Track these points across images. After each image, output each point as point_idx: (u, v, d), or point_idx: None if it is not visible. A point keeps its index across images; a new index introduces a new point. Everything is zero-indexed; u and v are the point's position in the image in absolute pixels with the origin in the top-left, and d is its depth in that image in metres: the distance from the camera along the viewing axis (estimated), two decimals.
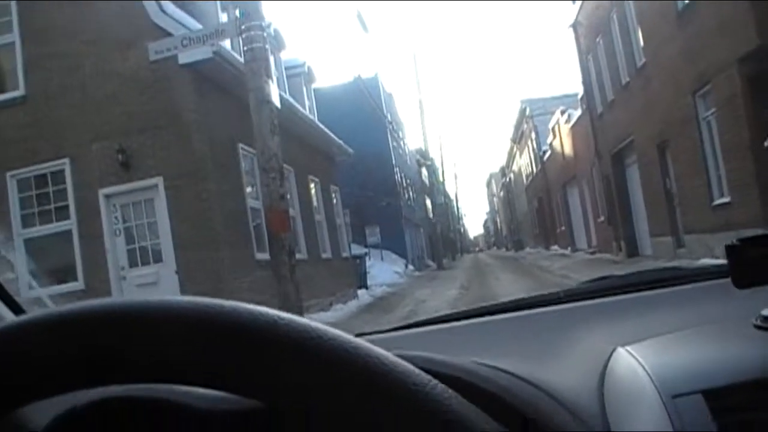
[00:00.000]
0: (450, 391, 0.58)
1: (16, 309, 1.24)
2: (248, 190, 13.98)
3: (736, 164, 13.12)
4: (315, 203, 19.67)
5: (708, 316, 1.07)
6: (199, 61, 12.01)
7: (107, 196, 12.46)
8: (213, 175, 12.22)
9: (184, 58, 11.89)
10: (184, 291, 11.66)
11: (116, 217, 12.51)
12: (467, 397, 0.59)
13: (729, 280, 0.87)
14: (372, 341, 0.61)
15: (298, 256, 16.63)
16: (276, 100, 10.10)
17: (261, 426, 0.83)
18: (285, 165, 16.86)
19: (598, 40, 22.96)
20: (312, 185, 19.58)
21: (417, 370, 0.58)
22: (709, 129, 14.64)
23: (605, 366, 0.94)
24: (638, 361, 0.88)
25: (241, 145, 13.47)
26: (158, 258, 12.25)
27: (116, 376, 0.59)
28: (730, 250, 0.84)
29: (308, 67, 21.95)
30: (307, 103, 21.18)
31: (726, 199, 14.02)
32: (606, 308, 1.28)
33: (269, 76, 10.05)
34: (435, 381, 0.58)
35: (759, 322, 0.89)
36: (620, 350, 0.95)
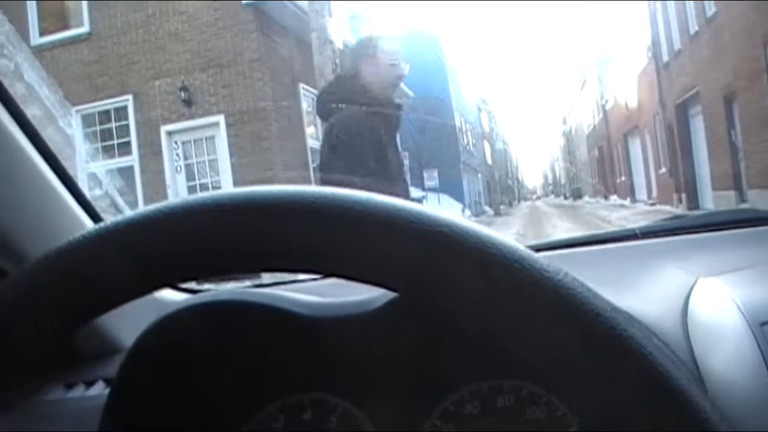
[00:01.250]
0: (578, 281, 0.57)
1: (95, 217, 1.27)
2: (309, 130, 13.99)
3: None
4: None
5: None
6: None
7: (169, 133, 12.60)
8: (274, 115, 12.27)
9: None
10: None
11: (177, 154, 12.65)
12: None
13: None
14: None
15: None
16: (338, 41, 10.02)
17: (362, 332, 0.84)
18: None
19: None
20: None
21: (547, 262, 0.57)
22: None
23: (688, 295, 0.93)
24: (724, 290, 0.88)
25: (302, 84, 13.44)
26: None
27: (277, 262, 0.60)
28: None
29: (370, 17, 21.73)
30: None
31: None
32: (684, 245, 1.28)
33: (331, 15, 9.98)
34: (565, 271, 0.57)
35: None
36: (703, 280, 0.95)
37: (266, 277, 1.33)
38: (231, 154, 12.06)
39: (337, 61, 9.86)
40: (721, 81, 17.67)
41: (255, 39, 12.09)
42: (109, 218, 0.60)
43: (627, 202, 34.77)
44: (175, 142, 12.50)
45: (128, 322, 0.94)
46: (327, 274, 0.60)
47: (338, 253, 0.56)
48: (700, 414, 0.53)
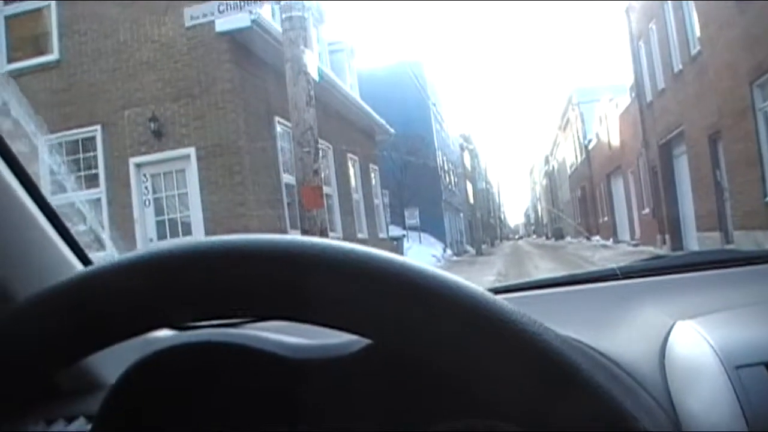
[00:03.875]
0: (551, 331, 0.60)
1: (85, 260, 1.29)
2: (283, 164, 13.61)
3: None
4: (353, 182, 19.29)
5: (766, 296, 1.08)
6: (237, 29, 11.73)
7: (138, 165, 12.20)
8: (247, 148, 11.89)
9: (221, 25, 11.59)
10: None
11: (146, 187, 12.25)
12: None
13: None
14: None
15: (333, 235, 16.39)
16: (313, 72, 9.73)
17: (342, 375, 0.84)
18: (323, 141, 16.57)
19: (650, 25, 22.20)
20: (350, 163, 19.16)
21: (517, 310, 0.60)
22: (767, 120, 13.97)
23: (666, 337, 0.94)
24: (700, 333, 0.89)
25: (277, 118, 13.09)
26: (187, 231, 11.96)
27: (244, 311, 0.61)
28: None
29: (351, 46, 21.55)
30: (348, 80, 20.81)
31: None
32: (664, 285, 1.27)
33: (307, 45, 9.67)
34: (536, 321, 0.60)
35: None
36: (681, 323, 0.95)
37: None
38: (202, 189, 11.67)
39: (312, 93, 9.57)
40: (705, 120, 17.49)
41: (229, 69, 11.72)
42: (94, 256, 0.70)
43: (610, 242, 34.81)
44: (144, 175, 12.08)
45: (112, 359, 0.93)
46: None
47: (309, 302, 0.58)
48: None
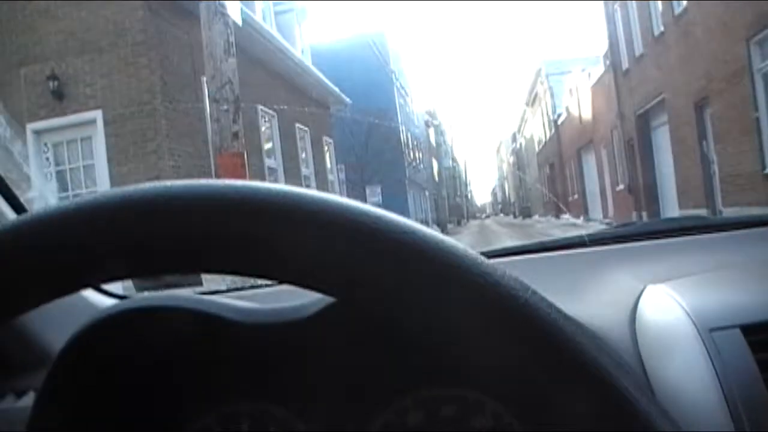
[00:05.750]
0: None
1: (18, 208, 1.27)
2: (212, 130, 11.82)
3: None
4: (302, 155, 17.51)
5: (736, 259, 1.08)
6: None
7: (37, 132, 10.29)
8: (163, 110, 10.03)
9: None
10: None
11: (47, 158, 10.38)
12: None
13: (757, 229, 1.01)
14: None
15: None
16: (234, 14, 7.98)
17: (300, 339, 0.83)
18: (267, 109, 14.84)
19: None
20: (299, 134, 17.36)
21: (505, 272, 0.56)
22: (766, 82, 12.35)
23: (636, 302, 0.94)
24: (672, 296, 0.89)
25: (204, 77, 11.25)
26: None
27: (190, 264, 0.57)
28: None
29: (302, 6, 19.76)
30: (299, 44, 19.04)
31: None
32: (633, 252, 1.26)
33: None
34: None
35: None
36: (651, 287, 0.96)
37: (210, 286, 1.30)
38: (110, 159, 9.84)
39: (232, 39, 7.85)
40: (691, 86, 15.89)
41: (141, 17, 9.85)
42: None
43: (580, 220, 33.83)
44: (45, 144, 10.23)
45: (60, 330, 0.90)
46: (256, 277, 0.57)
47: (263, 254, 0.53)
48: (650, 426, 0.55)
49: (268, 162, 14.44)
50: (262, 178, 13.95)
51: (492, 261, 1.13)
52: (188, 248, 0.53)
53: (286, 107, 15.79)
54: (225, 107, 7.71)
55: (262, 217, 0.51)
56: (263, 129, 14.40)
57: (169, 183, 0.52)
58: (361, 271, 0.52)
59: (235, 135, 7.73)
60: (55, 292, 0.56)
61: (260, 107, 14.26)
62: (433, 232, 0.54)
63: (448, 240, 0.54)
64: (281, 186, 0.53)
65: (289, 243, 0.51)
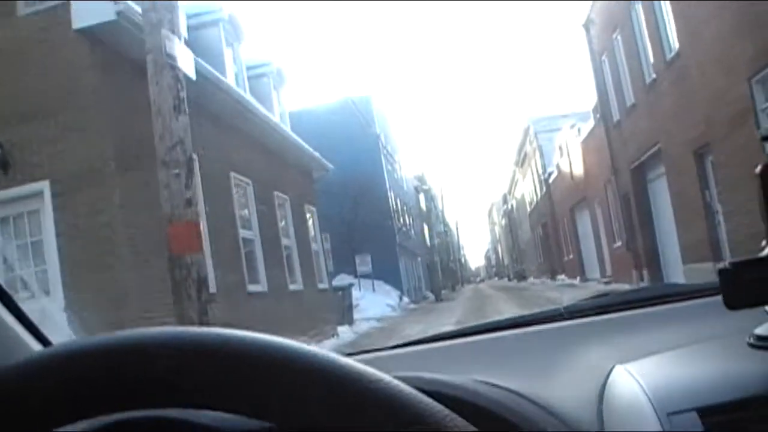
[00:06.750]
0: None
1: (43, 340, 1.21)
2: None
3: None
4: (282, 224, 16.54)
5: (703, 333, 1.08)
6: (99, 24, 9.02)
7: None
8: (117, 179, 9.07)
9: (79, 21, 8.93)
10: (76, 331, 8.47)
11: None
12: (468, 416, 0.59)
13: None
14: (368, 360, 0.68)
15: (255, 288, 13.61)
16: (186, 66, 7.07)
17: None
18: (241, 177, 13.91)
19: (615, 35, 20.06)
20: (278, 203, 16.40)
21: (428, 400, 0.57)
22: None
23: (604, 383, 0.96)
24: (635, 379, 0.90)
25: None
26: (45, 289, 9.10)
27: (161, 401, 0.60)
28: (723, 273, 0.80)
29: (278, 69, 18.97)
30: (277, 109, 18.25)
31: None
32: (605, 325, 1.26)
33: (176, 32, 7.02)
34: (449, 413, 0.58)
35: (752, 341, 0.89)
36: (618, 368, 0.97)
37: None
38: (59, 235, 8.87)
39: (182, 94, 6.94)
40: (688, 133, 15.15)
41: (91, 77, 8.98)
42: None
43: (577, 281, 33.00)
44: None
45: None
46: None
47: (192, 390, 0.58)
48: None
49: (244, 233, 13.47)
50: (236, 250, 13.00)
51: (471, 339, 1.26)
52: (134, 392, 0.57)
53: (261, 174, 14.91)
54: (176, 171, 6.73)
55: (193, 358, 0.56)
56: (236, 197, 13.47)
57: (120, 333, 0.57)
58: (264, 397, 0.56)
59: (188, 202, 6.76)
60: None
61: (233, 174, 13.37)
62: (300, 347, 0.57)
63: (309, 349, 0.57)
64: (200, 330, 0.57)
65: (207, 378, 0.56)
